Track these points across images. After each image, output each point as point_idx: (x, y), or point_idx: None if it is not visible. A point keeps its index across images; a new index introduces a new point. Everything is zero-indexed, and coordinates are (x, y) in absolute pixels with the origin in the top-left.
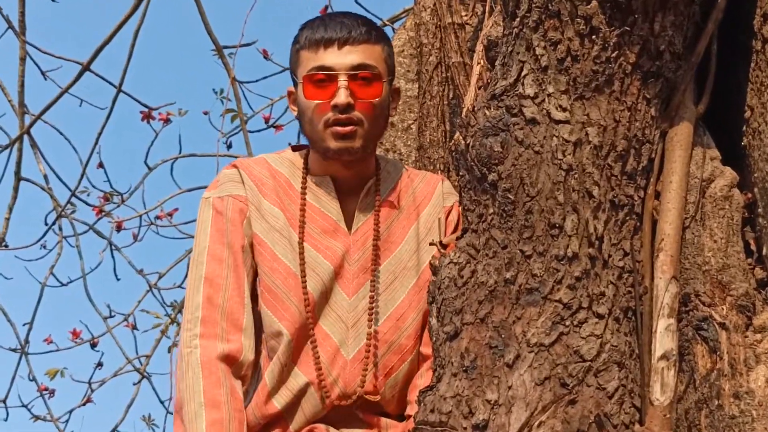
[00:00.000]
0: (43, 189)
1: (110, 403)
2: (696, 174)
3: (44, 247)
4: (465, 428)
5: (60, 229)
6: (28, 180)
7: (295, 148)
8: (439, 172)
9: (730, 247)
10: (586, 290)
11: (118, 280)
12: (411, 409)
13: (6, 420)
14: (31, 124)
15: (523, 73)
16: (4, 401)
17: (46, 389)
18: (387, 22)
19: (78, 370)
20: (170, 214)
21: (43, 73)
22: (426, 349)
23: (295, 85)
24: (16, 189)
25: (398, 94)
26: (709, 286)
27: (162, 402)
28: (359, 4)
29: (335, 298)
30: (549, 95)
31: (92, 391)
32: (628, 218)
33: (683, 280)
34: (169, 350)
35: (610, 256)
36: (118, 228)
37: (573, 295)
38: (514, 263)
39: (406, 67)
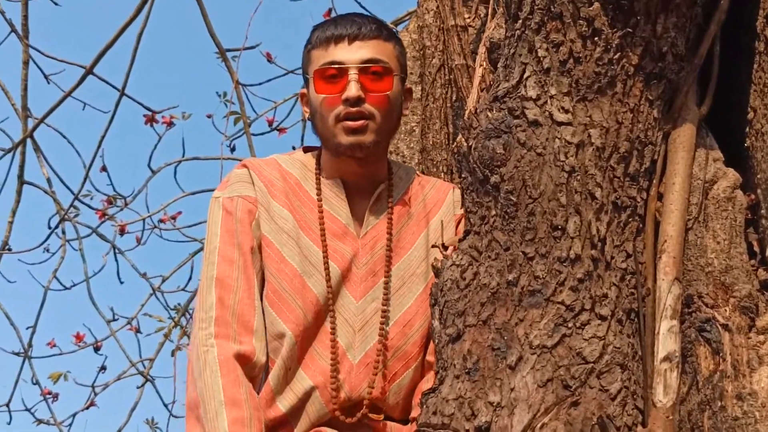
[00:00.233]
0: (46, 192)
1: (114, 406)
2: (699, 175)
3: (47, 250)
4: (467, 430)
5: (63, 232)
6: (31, 183)
7: (306, 149)
8: (442, 174)
9: (733, 248)
10: (589, 292)
11: (121, 283)
12: (415, 412)
13: (9, 424)
14: (34, 128)
15: (525, 75)
16: (7, 405)
17: (49, 393)
18: (390, 25)
19: (81, 373)
20: (173, 218)
21: (46, 77)
22: (432, 358)
23: (307, 84)
24: (19, 192)
25: (410, 94)
26: (712, 287)
27: (165, 405)
28: (362, 7)
29: (342, 301)
30: (551, 97)
31: (95, 394)
32: (630, 220)
33: (686, 281)
34: (173, 353)
35: (612, 257)
36: (122, 231)
37: (575, 296)
38: (516, 265)
39: (409, 69)
